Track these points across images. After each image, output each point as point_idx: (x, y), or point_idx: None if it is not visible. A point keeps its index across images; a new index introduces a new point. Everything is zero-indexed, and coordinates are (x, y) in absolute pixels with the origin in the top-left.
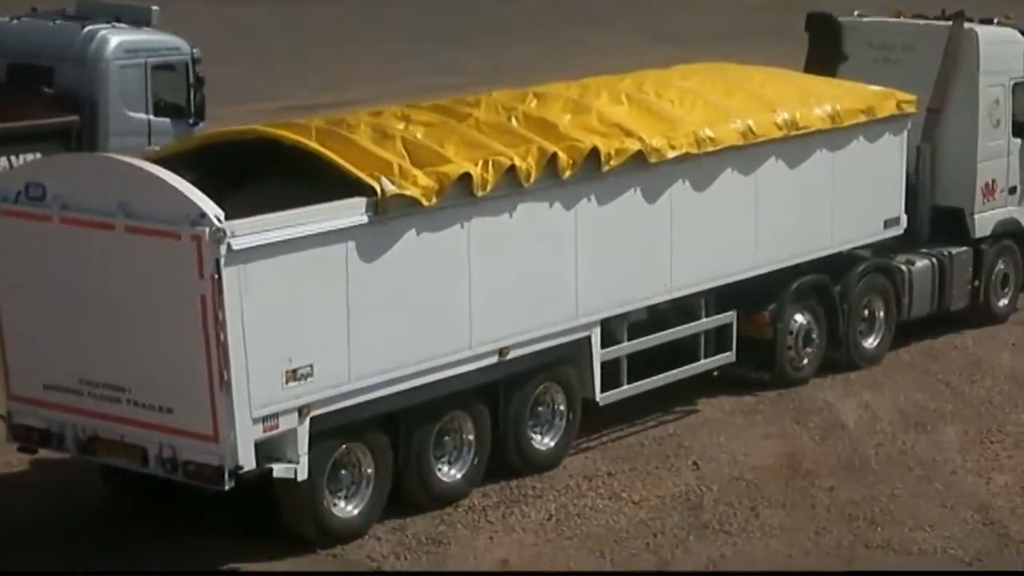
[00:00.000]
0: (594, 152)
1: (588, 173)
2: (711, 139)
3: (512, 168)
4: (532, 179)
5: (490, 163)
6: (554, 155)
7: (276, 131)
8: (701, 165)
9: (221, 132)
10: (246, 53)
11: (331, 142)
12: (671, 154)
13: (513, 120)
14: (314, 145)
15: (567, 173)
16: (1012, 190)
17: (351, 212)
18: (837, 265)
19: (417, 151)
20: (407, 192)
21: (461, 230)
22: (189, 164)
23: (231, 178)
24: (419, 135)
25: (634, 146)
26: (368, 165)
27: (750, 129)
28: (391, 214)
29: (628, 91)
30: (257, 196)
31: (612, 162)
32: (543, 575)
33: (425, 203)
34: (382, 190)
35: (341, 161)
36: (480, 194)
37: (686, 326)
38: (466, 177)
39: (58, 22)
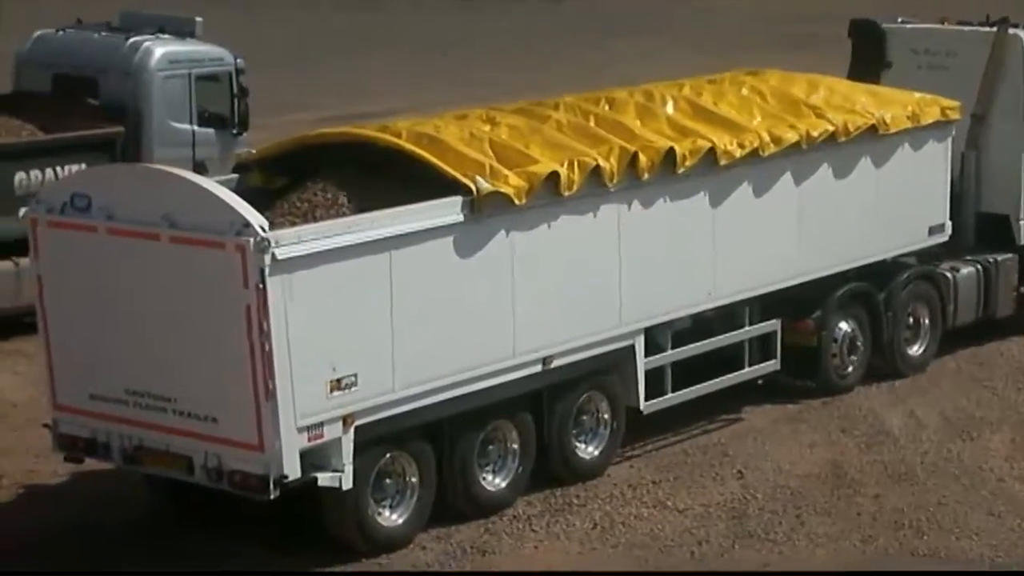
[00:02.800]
0: (670, 152)
1: (659, 176)
2: (774, 143)
3: (597, 168)
4: (616, 179)
5: (576, 163)
6: (635, 155)
7: (372, 133)
8: (744, 173)
9: (315, 134)
10: (278, 64)
11: (423, 144)
12: (739, 154)
13: (591, 122)
14: (410, 146)
15: (646, 174)
16: None
17: (447, 211)
18: (882, 272)
19: (504, 152)
20: (502, 190)
21: (507, 238)
22: (282, 167)
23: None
24: (504, 136)
25: (706, 145)
26: (460, 166)
27: (808, 135)
28: (485, 213)
29: (689, 98)
30: (350, 196)
31: (687, 162)
32: (534, 575)
33: (517, 202)
34: (477, 188)
35: (437, 161)
36: (567, 194)
37: (730, 334)
38: (553, 176)
39: (103, 34)
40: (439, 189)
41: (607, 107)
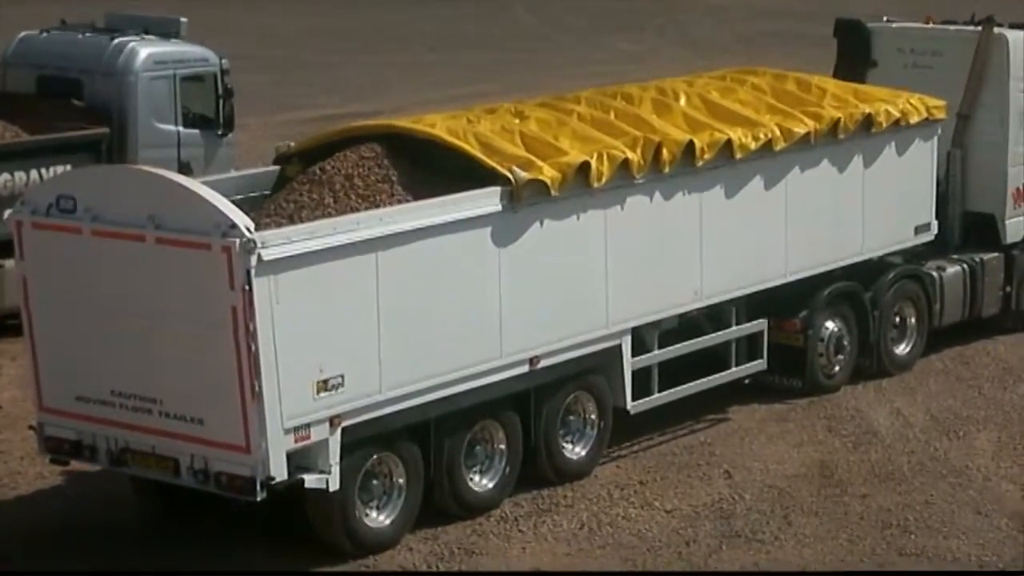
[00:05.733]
0: (690, 145)
1: (622, 179)
2: (785, 137)
3: (626, 160)
4: (643, 171)
5: (605, 155)
6: (659, 147)
7: (410, 125)
8: (732, 172)
9: (355, 126)
10: (273, 62)
11: (461, 136)
12: (754, 147)
13: (612, 115)
14: (449, 137)
15: (668, 167)
16: None
17: (487, 201)
18: (868, 272)
19: (534, 144)
20: (539, 177)
21: (496, 238)
22: (319, 159)
23: None
24: (534, 129)
25: (723, 138)
26: (497, 157)
27: (816, 129)
28: (524, 202)
29: (701, 93)
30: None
31: (706, 155)
32: (523, 575)
33: (554, 192)
34: (515, 178)
35: (476, 152)
36: (596, 185)
37: (717, 334)
38: (584, 167)
39: (87, 34)
40: (475, 181)
41: (624, 102)
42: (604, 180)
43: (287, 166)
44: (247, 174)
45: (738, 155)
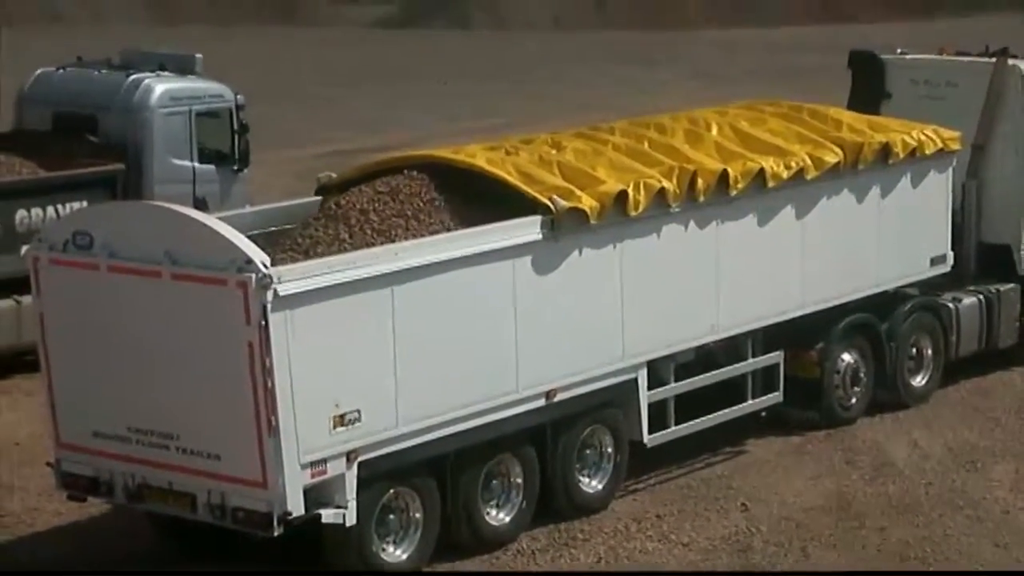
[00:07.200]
0: (724, 174)
1: (658, 210)
2: (816, 166)
3: (662, 190)
4: (679, 200)
5: (641, 184)
6: (694, 176)
7: (450, 155)
8: (749, 205)
9: (396, 157)
10: (286, 97)
11: (500, 166)
12: (787, 175)
13: (646, 145)
14: (489, 167)
15: (702, 196)
16: None
17: (527, 231)
18: (884, 304)
19: (572, 174)
20: (579, 206)
21: (511, 274)
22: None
23: None
24: (571, 159)
25: (756, 167)
26: (537, 186)
27: (846, 158)
28: (563, 231)
29: (732, 123)
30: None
31: (739, 184)
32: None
33: (593, 220)
34: (556, 207)
35: (516, 181)
36: (633, 214)
37: (733, 366)
38: (621, 196)
39: (103, 71)
40: (513, 211)
41: (657, 132)
42: (641, 209)
43: (328, 197)
44: (263, 209)
45: (771, 184)
